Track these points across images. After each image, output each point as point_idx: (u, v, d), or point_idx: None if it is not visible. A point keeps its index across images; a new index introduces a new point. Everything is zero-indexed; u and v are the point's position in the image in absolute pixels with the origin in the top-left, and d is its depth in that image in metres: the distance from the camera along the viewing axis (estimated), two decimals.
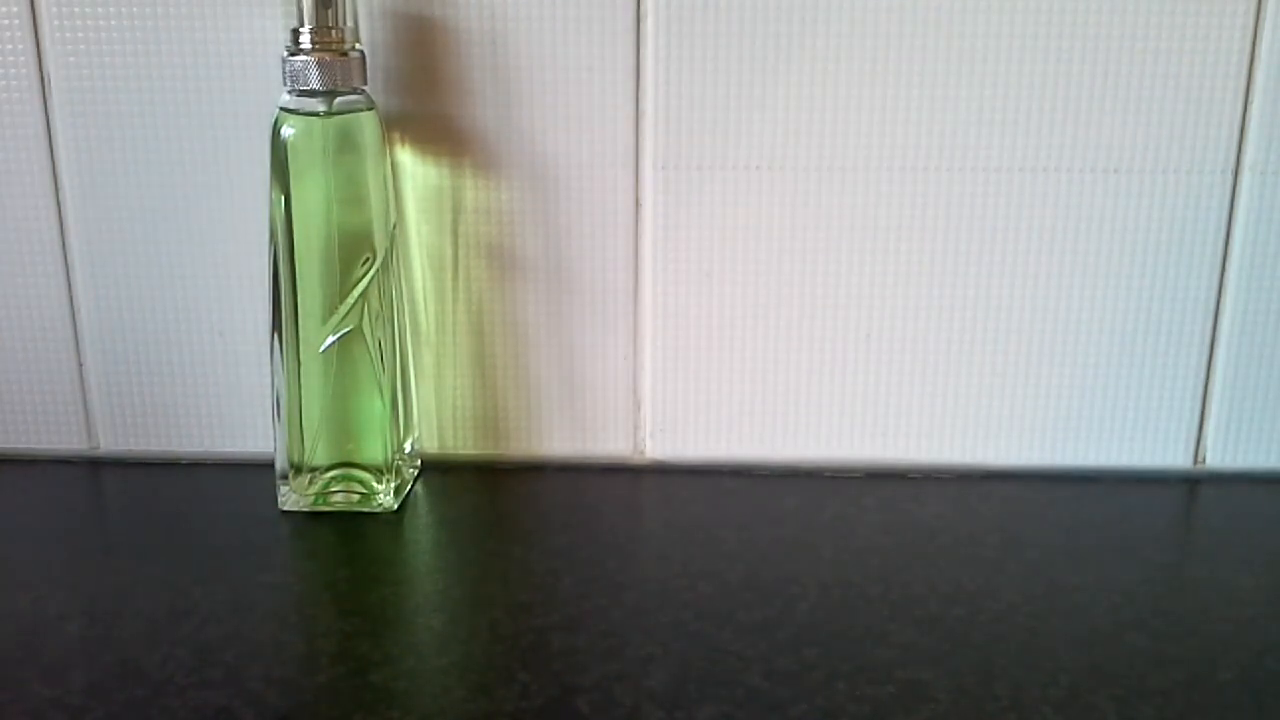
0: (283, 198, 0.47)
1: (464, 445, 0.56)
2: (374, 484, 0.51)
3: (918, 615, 0.43)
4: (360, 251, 0.48)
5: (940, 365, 0.54)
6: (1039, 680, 0.39)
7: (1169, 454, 0.55)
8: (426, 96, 0.51)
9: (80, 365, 0.56)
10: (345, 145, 0.48)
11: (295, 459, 0.50)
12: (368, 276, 0.49)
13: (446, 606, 0.44)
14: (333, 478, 0.51)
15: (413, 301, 0.54)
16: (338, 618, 0.43)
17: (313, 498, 0.51)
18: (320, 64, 0.46)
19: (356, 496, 0.51)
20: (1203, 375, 0.54)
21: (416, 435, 0.55)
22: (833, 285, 0.53)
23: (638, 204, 0.52)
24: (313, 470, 0.51)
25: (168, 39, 0.51)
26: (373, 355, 0.49)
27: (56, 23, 0.51)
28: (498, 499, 0.53)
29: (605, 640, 0.41)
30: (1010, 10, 0.49)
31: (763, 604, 0.44)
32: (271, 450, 0.51)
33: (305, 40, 0.46)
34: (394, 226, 0.51)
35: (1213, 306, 0.53)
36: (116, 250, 0.54)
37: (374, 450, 0.51)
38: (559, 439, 0.56)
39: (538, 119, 0.51)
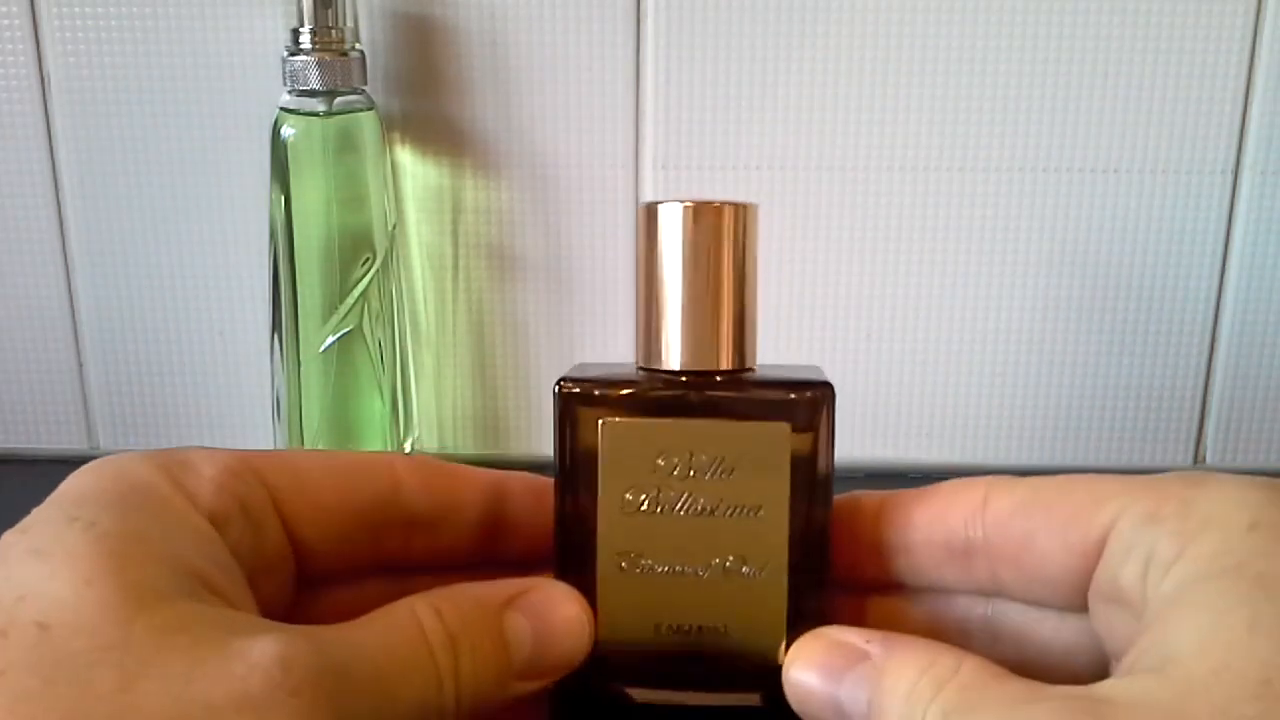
0: (283, 198, 0.47)
1: (464, 445, 0.56)
2: None
3: None
4: (360, 251, 0.48)
5: (940, 365, 0.54)
6: None
7: (1169, 454, 0.55)
8: (426, 96, 0.51)
9: (80, 365, 0.55)
10: (345, 145, 0.48)
11: None
12: (368, 277, 0.49)
13: None
14: None
15: (413, 301, 0.54)
16: None
17: None
18: (320, 64, 0.46)
19: None
20: (1203, 375, 0.54)
21: (416, 435, 0.55)
22: (833, 285, 0.53)
23: (638, 204, 0.52)
24: None
25: (168, 39, 0.51)
26: (373, 355, 0.49)
27: (56, 23, 0.51)
28: None
29: None
30: (1010, 10, 0.49)
31: None
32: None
33: (305, 40, 0.46)
34: (394, 226, 0.51)
35: (1213, 306, 0.53)
36: (116, 250, 0.54)
37: (374, 450, 0.51)
38: None
39: (538, 119, 0.51)
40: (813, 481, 0.27)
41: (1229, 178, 0.51)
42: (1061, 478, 0.26)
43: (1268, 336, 0.53)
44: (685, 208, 0.27)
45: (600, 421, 0.27)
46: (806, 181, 0.52)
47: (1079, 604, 0.26)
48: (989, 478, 0.27)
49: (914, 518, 0.28)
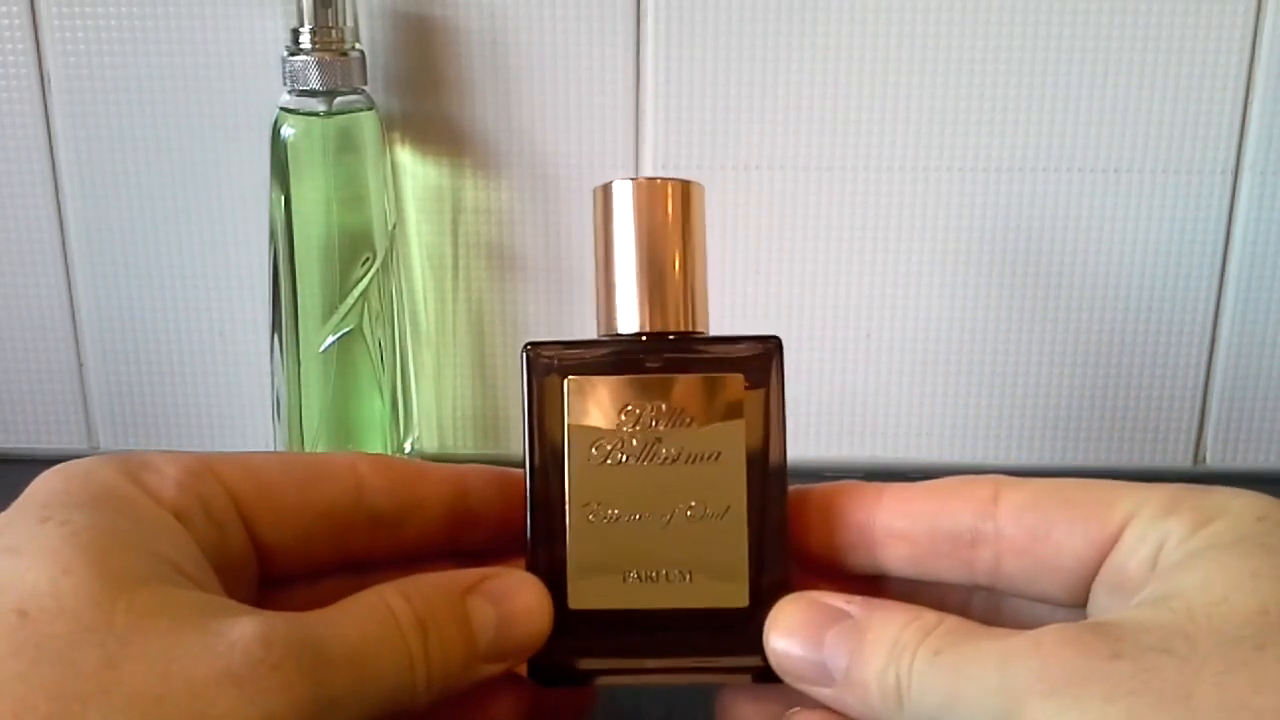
0: (282, 198, 0.47)
1: (464, 445, 0.56)
2: None
3: None
4: (360, 251, 0.48)
5: (940, 365, 0.54)
6: None
7: (1169, 454, 0.55)
8: (426, 96, 0.51)
9: (80, 365, 0.55)
10: (345, 145, 0.48)
11: None
12: (368, 276, 0.49)
13: None
14: None
15: (413, 301, 0.54)
16: None
17: None
18: (320, 64, 0.46)
19: None
20: (1203, 375, 0.54)
21: (416, 435, 0.55)
22: (833, 285, 0.53)
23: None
24: None
25: (168, 39, 0.51)
26: (373, 355, 0.49)
27: (56, 23, 0.51)
28: None
29: None
30: (1010, 10, 0.49)
31: None
32: (272, 450, 0.51)
33: (305, 40, 0.46)
34: (394, 226, 0.51)
35: (1213, 306, 0.53)
36: (116, 250, 0.54)
37: (374, 450, 0.51)
38: None
39: (538, 119, 0.51)
40: (767, 427, 0.28)
41: (1229, 178, 0.51)
42: (1072, 479, 0.27)
43: (1268, 336, 0.53)
44: (636, 184, 0.29)
45: (566, 379, 0.28)
46: (806, 181, 0.52)
47: (1078, 597, 0.27)
48: (994, 475, 0.28)
49: (920, 507, 0.28)
